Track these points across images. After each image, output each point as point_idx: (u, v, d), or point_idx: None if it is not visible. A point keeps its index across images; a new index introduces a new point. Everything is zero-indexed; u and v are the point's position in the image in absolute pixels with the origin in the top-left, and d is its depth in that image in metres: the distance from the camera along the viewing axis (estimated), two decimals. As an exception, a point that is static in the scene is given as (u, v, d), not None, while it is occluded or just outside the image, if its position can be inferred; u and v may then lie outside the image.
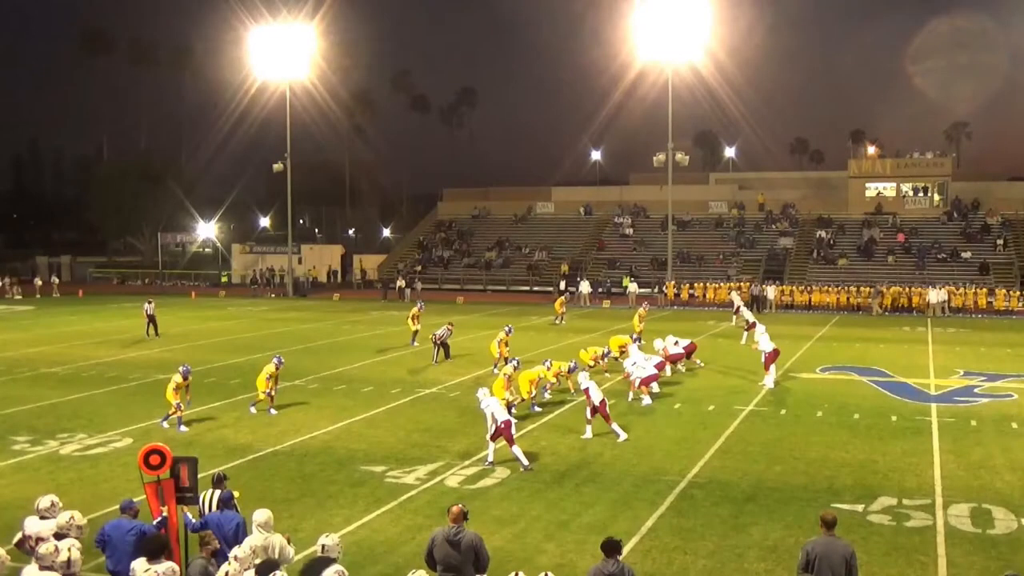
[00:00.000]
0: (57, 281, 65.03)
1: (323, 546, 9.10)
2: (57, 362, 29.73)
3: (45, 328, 40.73)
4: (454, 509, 9.67)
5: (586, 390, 19.02)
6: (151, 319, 37.24)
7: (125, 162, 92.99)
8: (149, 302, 38.68)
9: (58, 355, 31.51)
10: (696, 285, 54.36)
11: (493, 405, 17.03)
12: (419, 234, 77.18)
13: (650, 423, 20.52)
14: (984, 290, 50.11)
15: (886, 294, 49.68)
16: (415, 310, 34.52)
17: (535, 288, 62.90)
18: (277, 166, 63.69)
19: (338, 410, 21.84)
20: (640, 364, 23.50)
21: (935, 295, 48.17)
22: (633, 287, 54.34)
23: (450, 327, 30.85)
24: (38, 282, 65.01)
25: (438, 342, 29.97)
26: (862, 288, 50.87)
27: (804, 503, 14.31)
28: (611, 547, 8.95)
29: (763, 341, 25.73)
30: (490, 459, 16.79)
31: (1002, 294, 49.63)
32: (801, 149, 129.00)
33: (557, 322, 41.59)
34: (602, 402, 18.98)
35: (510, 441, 16.53)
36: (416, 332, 33.75)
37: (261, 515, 9.62)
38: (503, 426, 16.54)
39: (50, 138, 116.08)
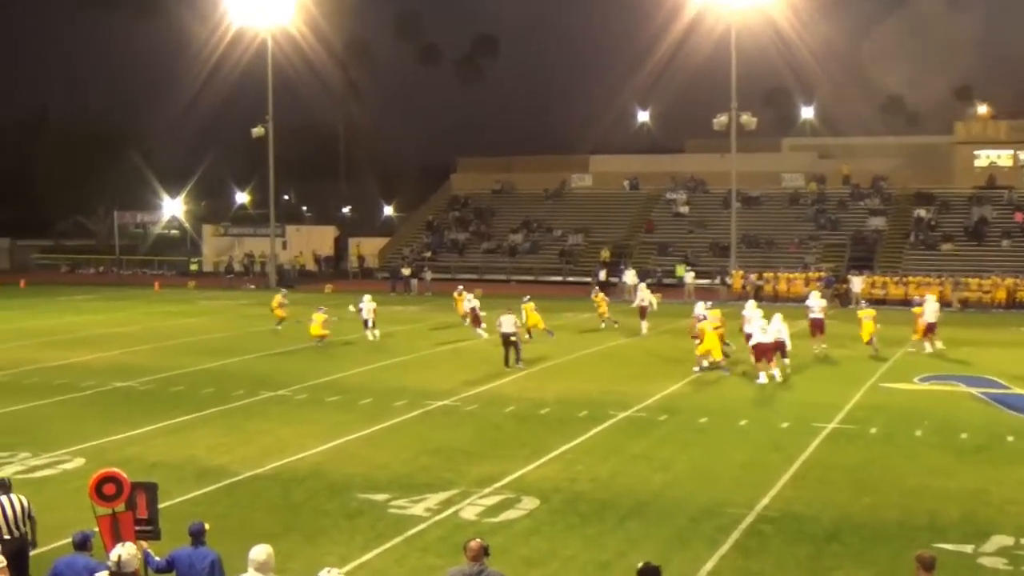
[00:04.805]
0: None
1: None
2: (-6, 367, 30.02)
3: (-21, 326, 41.11)
4: (472, 544, 9.68)
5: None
6: None
7: (74, 127, 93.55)
8: None
9: (-5, 358, 31.81)
10: (766, 274, 54.14)
11: None
12: (428, 213, 77.25)
13: (711, 443, 20.46)
14: None
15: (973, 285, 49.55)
16: (280, 296, 39.49)
17: (569, 278, 62.80)
18: (257, 131, 63.85)
19: (331, 426, 21.89)
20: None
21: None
22: (689, 277, 54.18)
23: (514, 318, 30.32)
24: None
25: (509, 340, 29.36)
26: (969, 279, 50.43)
27: (900, 542, 14.21)
28: (649, 574, 8.92)
29: (755, 327, 27.26)
30: None
31: None
32: (895, 109, 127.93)
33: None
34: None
35: None
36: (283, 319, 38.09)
37: (260, 552, 9.58)
38: None
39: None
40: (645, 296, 38.57)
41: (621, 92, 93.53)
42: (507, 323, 29.55)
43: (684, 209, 68.85)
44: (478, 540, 9.78)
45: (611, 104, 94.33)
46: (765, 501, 16.32)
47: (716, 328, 29.28)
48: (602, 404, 23.98)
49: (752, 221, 64.29)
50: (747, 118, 57.82)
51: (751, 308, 29.19)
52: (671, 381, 27.27)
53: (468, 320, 36.70)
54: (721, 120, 58.19)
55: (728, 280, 54.02)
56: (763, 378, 26.91)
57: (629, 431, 21.47)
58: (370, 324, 35.95)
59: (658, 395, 25.29)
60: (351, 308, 36.82)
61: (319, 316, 34.60)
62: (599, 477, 17.82)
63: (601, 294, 40.10)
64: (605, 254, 63.30)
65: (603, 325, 39.00)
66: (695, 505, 16.08)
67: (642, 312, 37.80)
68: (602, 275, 58.06)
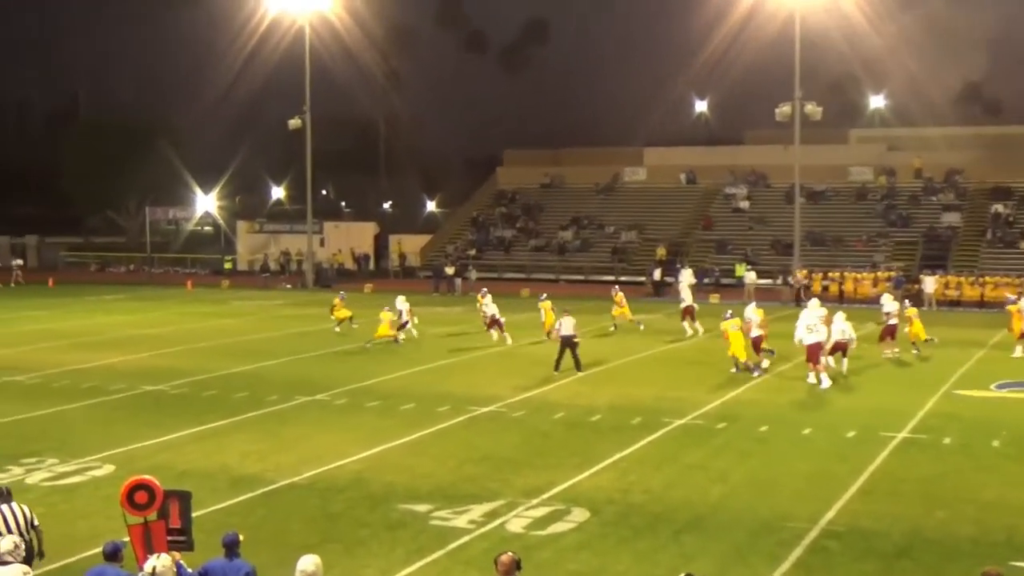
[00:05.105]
0: (21, 265, 66.51)
1: None
2: (21, 368, 30.41)
3: (5, 326, 41.78)
4: (503, 558, 9.62)
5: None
6: None
7: (103, 119, 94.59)
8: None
9: (22, 359, 32.26)
10: (832, 274, 53.75)
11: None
12: (473, 208, 77.43)
13: (772, 453, 20.36)
14: None
15: None
16: (337, 299, 39.82)
17: (622, 278, 62.65)
18: (294, 123, 64.33)
19: (371, 433, 22.02)
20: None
21: None
22: (750, 277, 53.89)
23: (575, 320, 30.23)
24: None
25: (572, 342, 29.28)
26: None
27: (974, 560, 14.03)
28: None
29: (800, 327, 27.71)
30: None
31: None
32: (971, 98, 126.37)
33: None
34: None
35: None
36: (346, 319, 38.64)
37: (308, 563, 9.68)
38: None
39: (12, 89, 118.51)
40: (687, 297, 38.41)
41: (677, 80, 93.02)
42: (568, 325, 29.52)
43: (744, 204, 68.51)
44: (509, 554, 9.74)
45: (666, 93, 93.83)
46: (830, 515, 16.21)
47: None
48: (656, 411, 23.92)
49: (817, 217, 63.89)
50: (812, 108, 57.35)
51: (814, 307, 29.11)
52: (730, 387, 27.16)
53: (493, 328, 36.00)
54: (784, 110, 57.74)
55: (791, 280, 53.68)
56: (826, 382, 26.99)
57: (685, 440, 21.41)
58: (408, 325, 36.40)
59: (716, 401, 25.20)
60: (388, 310, 36.58)
61: (387, 315, 35.08)
62: (653, 488, 17.78)
63: (620, 294, 39.66)
64: (661, 252, 63.09)
65: (612, 328, 38.88)
66: (755, 519, 16.01)
67: (690, 314, 37.59)
68: (657, 274, 57.90)
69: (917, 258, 59.03)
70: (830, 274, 53.93)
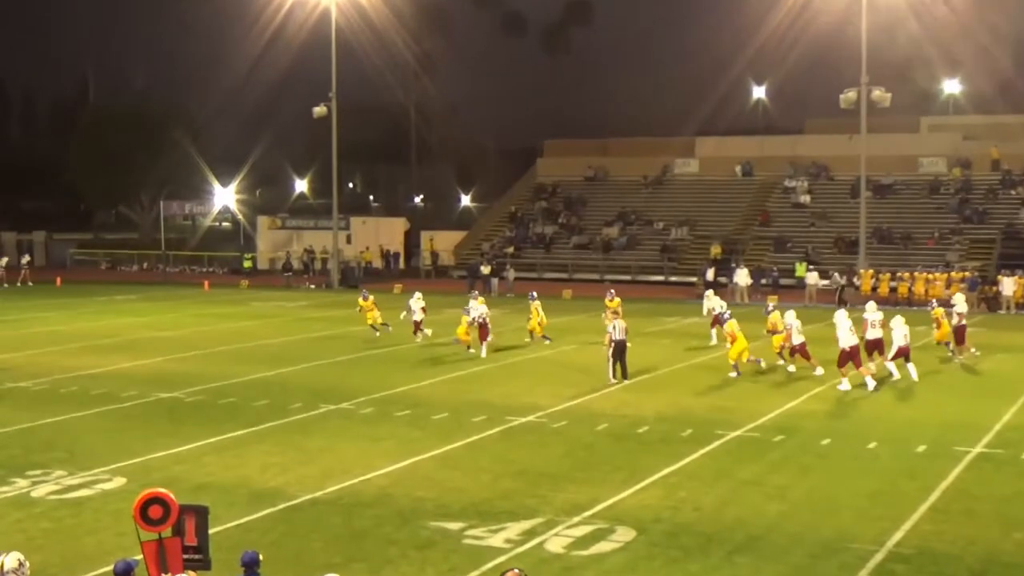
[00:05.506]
0: (28, 261, 67.09)
1: None
2: (27, 373, 30.68)
3: (11, 328, 42.26)
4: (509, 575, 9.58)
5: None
6: None
7: (116, 107, 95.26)
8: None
9: (28, 364, 32.53)
10: (901, 274, 53.39)
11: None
12: (511, 203, 77.48)
13: (834, 469, 20.25)
14: None
15: None
16: (360, 299, 39.19)
17: (672, 278, 62.53)
18: (319, 111, 64.61)
19: (400, 444, 22.07)
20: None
21: None
22: (812, 277, 53.61)
23: (613, 315, 30.79)
24: (2, 262, 66.97)
25: (623, 345, 29.37)
26: None
27: (1056, 586, 13.99)
28: None
29: (843, 330, 28.09)
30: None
31: None
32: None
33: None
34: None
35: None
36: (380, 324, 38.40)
37: None
38: None
39: (17, 76, 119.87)
40: (715, 304, 37.51)
41: (733, 64, 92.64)
42: (620, 329, 29.58)
43: (805, 199, 68.19)
44: (515, 571, 9.65)
45: (721, 78, 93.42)
46: (897, 536, 16.11)
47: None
48: (708, 422, 23.85)
49: (884, 213, 63.58)
50: (880, 93, 56.98)
51: (871, 310, 29.45)
52: (788, 397, 27.05)
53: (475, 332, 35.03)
54: (849, 96, 57.40)
55: (856, 281, 53.33)
56: (846, 385, 27.75)
57: (739, 454, 21.33)
58: (422, 326, 36.78)
59: (773, 412, 25.08)
60: (465, 312, 35.12)
61: (464, 318, 34.82)
62: (704, 506, 17.74)
63: (617, 299, 38.89)
64: (716, 250, 62.87)
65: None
66: (815, 540, 15.94)
67: (719, 322, 36.98)
68: (709, 274, 57.65)
69: (994, 257, 58.55)
70: (899, 274, 53.50)
